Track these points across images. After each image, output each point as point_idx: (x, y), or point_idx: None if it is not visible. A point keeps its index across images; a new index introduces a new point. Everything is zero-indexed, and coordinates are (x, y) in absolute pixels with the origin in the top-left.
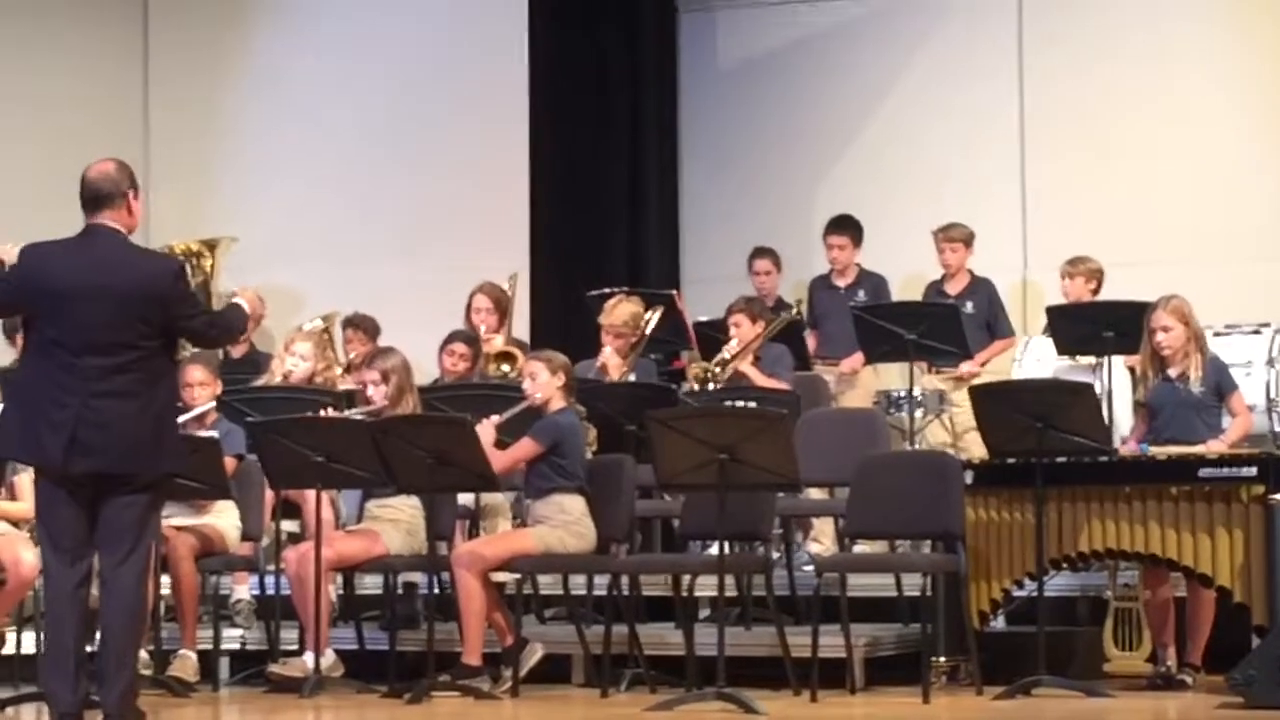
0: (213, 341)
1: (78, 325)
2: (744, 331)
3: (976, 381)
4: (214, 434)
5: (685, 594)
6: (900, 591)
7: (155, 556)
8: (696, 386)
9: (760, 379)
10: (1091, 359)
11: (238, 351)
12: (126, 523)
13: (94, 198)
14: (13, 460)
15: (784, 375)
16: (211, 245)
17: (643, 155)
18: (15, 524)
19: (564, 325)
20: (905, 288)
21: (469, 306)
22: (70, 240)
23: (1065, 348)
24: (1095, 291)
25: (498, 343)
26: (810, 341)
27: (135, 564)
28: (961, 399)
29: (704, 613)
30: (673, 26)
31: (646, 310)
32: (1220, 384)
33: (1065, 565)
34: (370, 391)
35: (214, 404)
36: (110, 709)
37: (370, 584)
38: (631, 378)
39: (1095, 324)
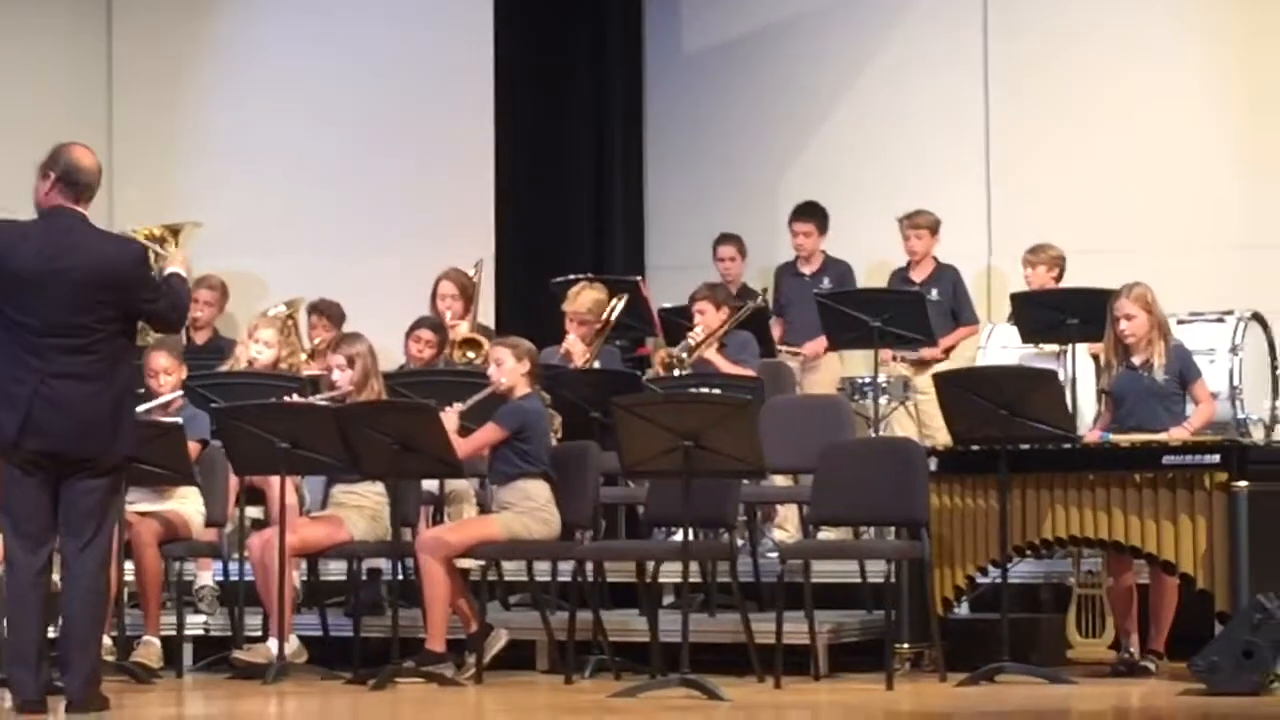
0: (173, 325)
1: (39, 306)
2: (708, 318)
3: (941, 368)
4: (178, 420)
5: (649, 580)
6: (864, 578)
7: (118, 542)
8: (662, 372)
9: (725, 366)
10: (1055, 346)
11: (201, 337)
12: (88, 508)
13: (85, 188)
14: None
15: (749, 362)
16: (175, 230)
17: (608, 142)
18: None
19: (530, 312)
20: (870, 275)
21: (434, 293)
22: (34, 222)
23: (1029, 335)
24: (1057, 279)
25: (463, 329)
26: (776, 329)
27: (97, 549)
28: (926, 386)
29: (668, 599)
30: (638, 12)
31: (611, 297)
32: (1184, 372)
33: (1029, 552)
34: (335, 377)
35: (181, 393)
36: (74, 695)
37: (334, 570)
38: (596, 364)
39: (1059, 311)
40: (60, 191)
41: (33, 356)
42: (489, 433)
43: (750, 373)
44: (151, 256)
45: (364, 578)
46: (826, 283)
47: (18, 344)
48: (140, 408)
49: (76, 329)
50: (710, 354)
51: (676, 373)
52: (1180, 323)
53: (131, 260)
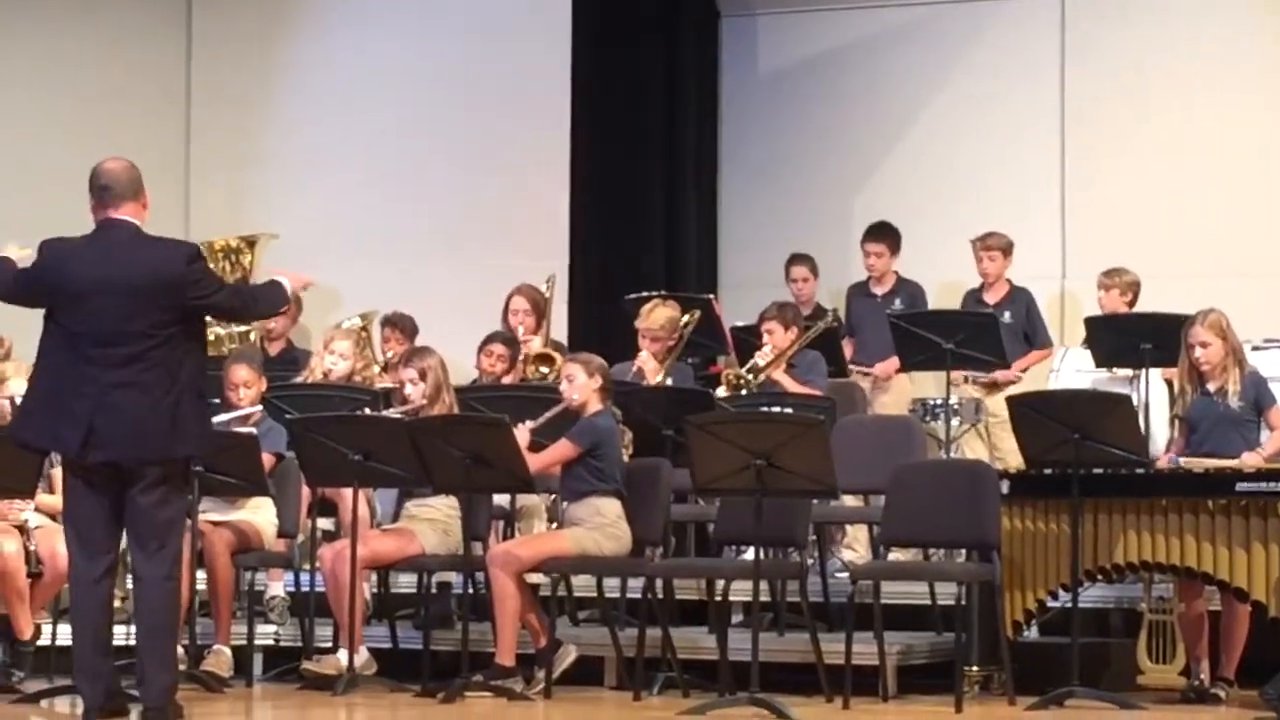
0: (238, 314)
1: (95, 317)
2: (777, 338)
3: (1014, 391)
4: (253, 430)
5: (719, 599)
6: (934, 600)
7: (190, 551)
8: (729, 393)
9: (793, 386)
10: (1129, 371)
11: (275, 349)
12: (151, 515)
13: (112, 191)
14: (32, 448)
15: (818, 382)
16: (251, 242)
17: (682, 159)
18: (53, 517)
19: (602, 329)
20: (942, 296)
21: (506, 308)
22: (87, 236)
23: (1103, 359)
24: (1131, 304)
25: (535, 345)
26: (847, 349)
27: (165, 557)
28: (998, 408)
29: (737, 618)
30: (714, 32)
31: (683, 314)
32: (1259, 399)
33: (1100, 577)
34: (408, 390)
35: (260, 407)
36: (150, 703)
37: (404, 583)
38: (668, 382)
39: (1133, 336)
40: (98, 205)
41: (91, 368)
42: (562, 449)
43: (817, 392)
44: (232, 259)
45: (434, 591)
46: (898, 303)
47: (76, 356)
48: (219, 418)
49: (131, 336)
50: (777, 374)
51: (744, 393)
52: (1255, 349)
53: (180, 259)
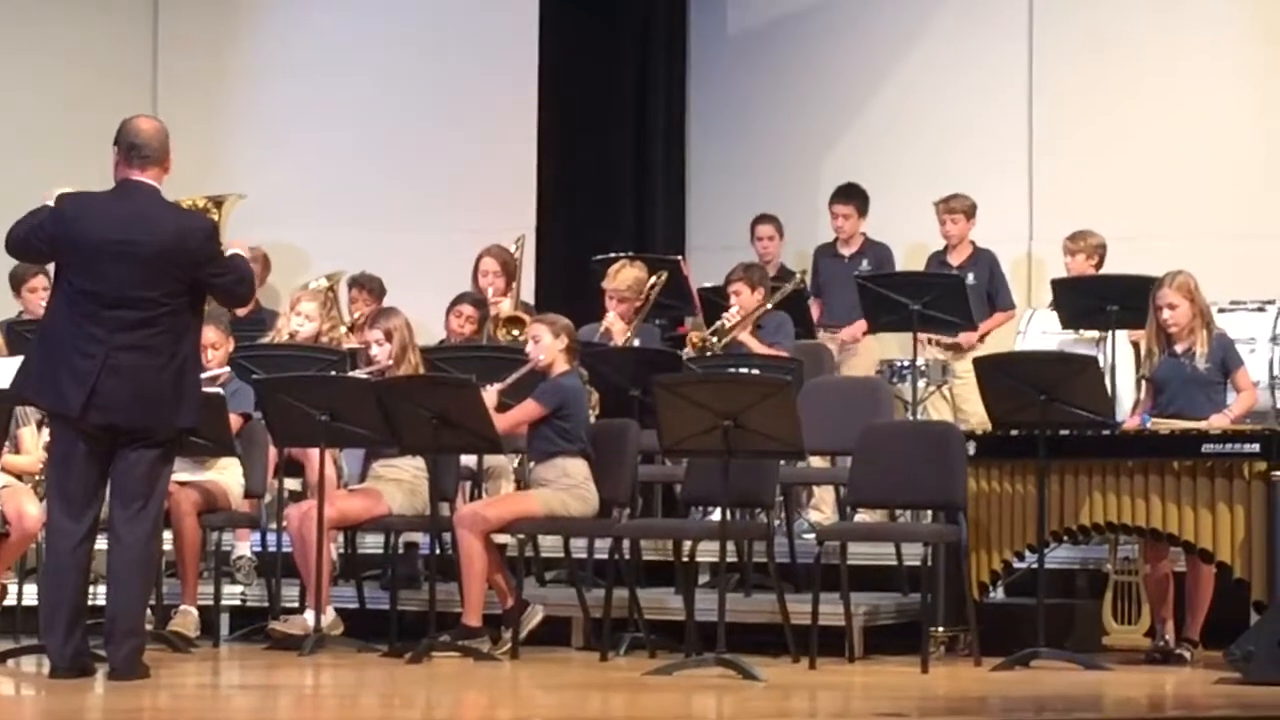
0: (240, 299)
1: (109, 278)
2: (744, 300)
3: (980, 352)
4: (220, 391)
5: (686, 560)
6: (900, 561)
7: None
8: (695, 354)
9: (759, 347)
10: (1095, 333)
11: (242, 309)
12: (140, 477)
13: (142, 152)
14: (32, 403)
15: (785, 343)
16: (219, 202)
17: (651, 120)
18: (19, 477)
19: (570, 290)
20: (909, 258)
21: (476, 269)
22: (108, 193)
23: (1069, 321)
24: (1097, 267)
25: (505, 306)
26: (814, 310)
27: (146, 519)
28: (963, 370)
29: (704, 578)
30: None
31: (651, 275)
32: (1226, 360)
33: (1066, 538)
34: (374, 351)
35: (228, 368)
36: (118, 664)
37: (371, 543)
38: (635, 342)
39: (1100, 298)
40: (124, 162)
41: (98, 328)
42: (528, 410)
43: (784, 353)
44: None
45: (401, 551)
46: (866, 265)
47: (84, 315)
48: None
49: (143, 302)
50: (744, 335)
51: (709, 354)
52: (1221, 311)
53: (201, 235)
